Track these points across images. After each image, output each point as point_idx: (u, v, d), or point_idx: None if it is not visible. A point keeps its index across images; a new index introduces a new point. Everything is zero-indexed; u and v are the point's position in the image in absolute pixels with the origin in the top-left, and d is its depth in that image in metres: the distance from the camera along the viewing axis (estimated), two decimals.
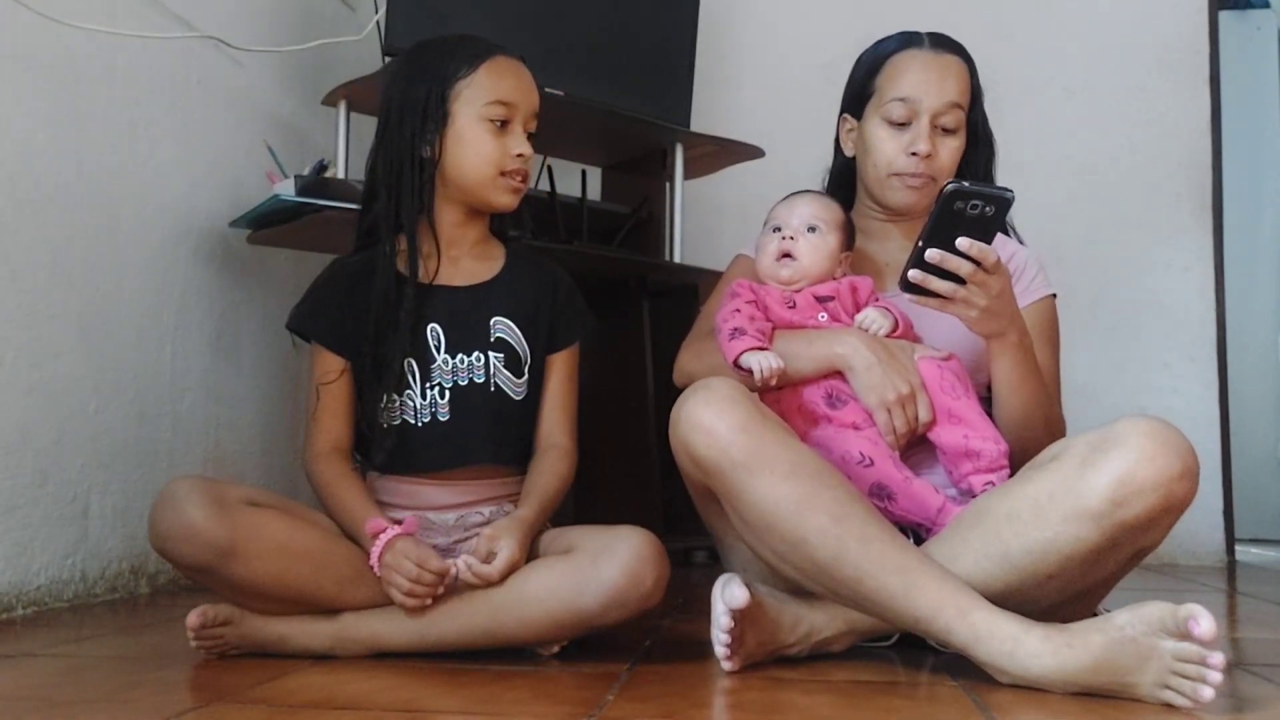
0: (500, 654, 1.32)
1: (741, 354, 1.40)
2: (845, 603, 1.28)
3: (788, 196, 1.59)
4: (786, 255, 1.52)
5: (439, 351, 1.44)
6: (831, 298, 1.50)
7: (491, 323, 1.46)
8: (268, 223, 2.05)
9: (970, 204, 1.27)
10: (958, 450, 1.40)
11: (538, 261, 1.55)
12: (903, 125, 1.57)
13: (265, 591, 1.30)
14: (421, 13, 2.12)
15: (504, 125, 1.44)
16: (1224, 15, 3.08)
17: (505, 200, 1.46)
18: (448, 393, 1.43)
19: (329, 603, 1.34)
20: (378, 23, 2.26)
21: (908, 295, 1.34)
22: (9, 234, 1.64)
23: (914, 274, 1.31)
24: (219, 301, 2.12)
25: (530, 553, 1.36)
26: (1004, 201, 1.29)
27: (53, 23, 1.69)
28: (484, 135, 1.43)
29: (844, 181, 1.70)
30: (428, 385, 1.43)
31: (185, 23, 2.01)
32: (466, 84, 1.43)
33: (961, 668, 1.27)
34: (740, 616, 1.22)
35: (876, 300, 1.52)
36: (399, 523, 1.35)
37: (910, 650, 1.38)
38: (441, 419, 1.43)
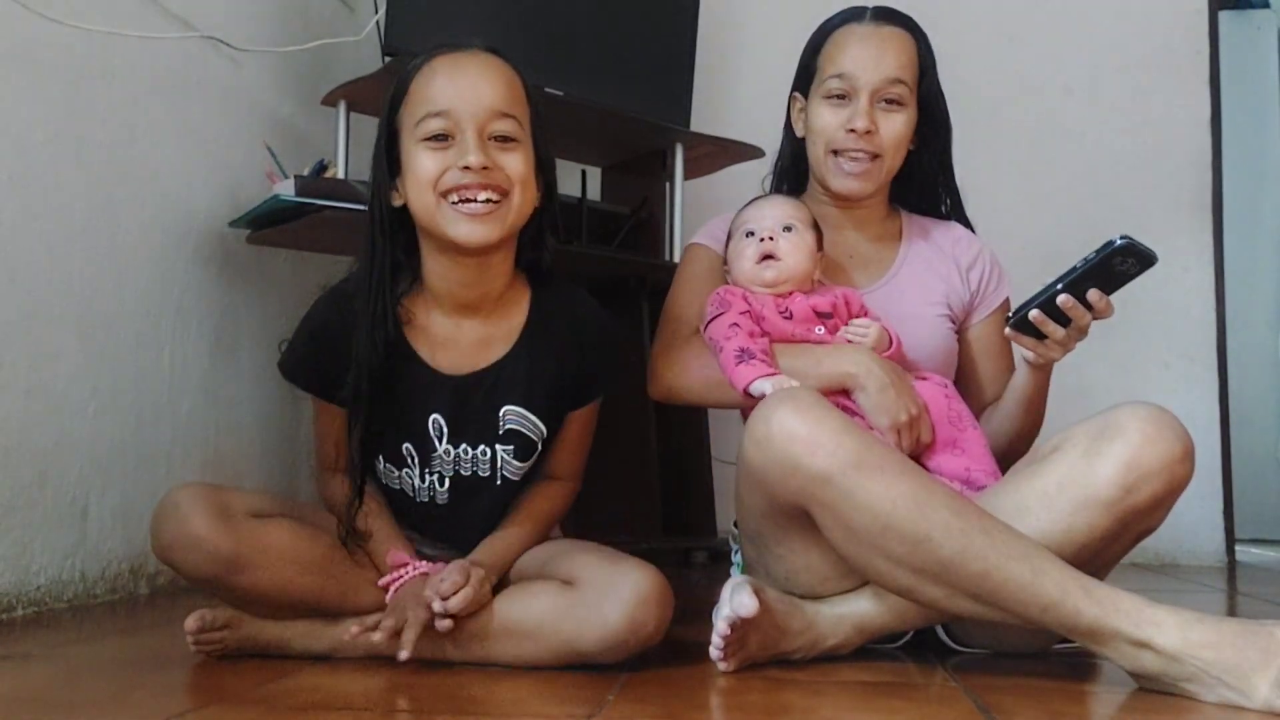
0: None
1: (754, 381, 1.33)
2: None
3: (751, 201, 1.55)
4: (768, 257, 1.46)
5: (440, 441, 1.35)
6: (831, 315, 1.46)
7: (501, 413, 1.35)
8: (268, 223, 2.04)
9: (1128, 260, 1.25)
10: (959, 479, 1.38)
11: (568, 311, 1.39)
12: (843, 101, 1.54)
13: (270, 600, 1.29)
14: (421, 13, 2.12)
15: (444, 140, 1.25)
16: (1224, 15, 3.07)
17: (461, 231, 1.24)
18: (448, 481, 1.36)
19: (332, 609, 1.32)
20: (377, 23, 2.25)
21: (1010, 331, 1.34)
22: (9, 234, 1.63)
23: (1035, 314, 1.30)
24: (218, 303, 2.12)
25: (523, 562, 1.35)
26: (1150, 264, 1.26)
27: (53, 23, 1.69)
28: (420, 158, 1.24)
29: (794, 165, 1.65)
30: (427, 471, 1.36)
31: (184, 23, 2.01)
32: (403, 106, 1.27)
33: (963, 668, 1.27)
34: (744, 624, 1.22)
35: (866, 313, 1.48)
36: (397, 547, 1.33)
37: (914, 650, 1.38)
38: (440, 503, 1.38)
